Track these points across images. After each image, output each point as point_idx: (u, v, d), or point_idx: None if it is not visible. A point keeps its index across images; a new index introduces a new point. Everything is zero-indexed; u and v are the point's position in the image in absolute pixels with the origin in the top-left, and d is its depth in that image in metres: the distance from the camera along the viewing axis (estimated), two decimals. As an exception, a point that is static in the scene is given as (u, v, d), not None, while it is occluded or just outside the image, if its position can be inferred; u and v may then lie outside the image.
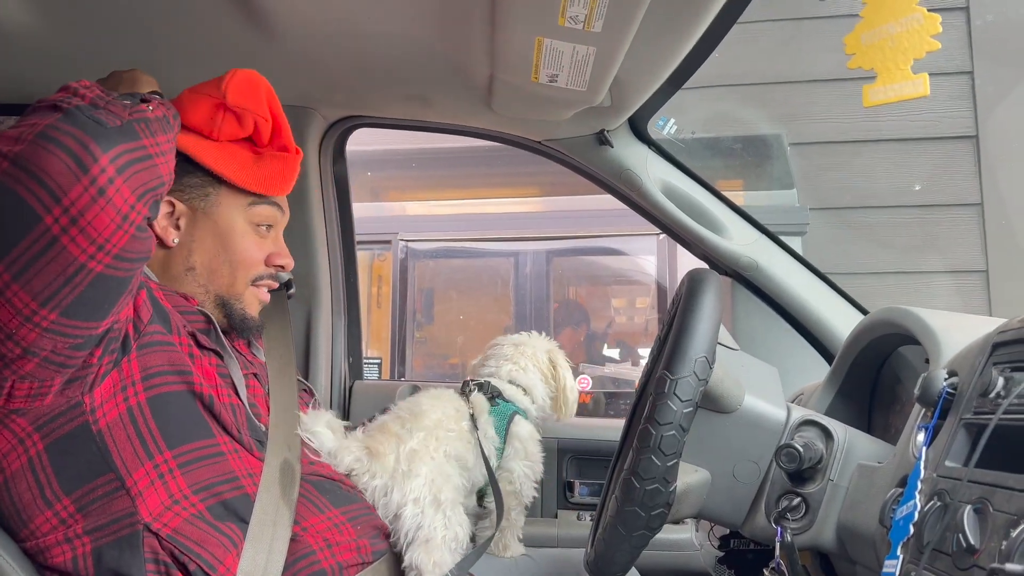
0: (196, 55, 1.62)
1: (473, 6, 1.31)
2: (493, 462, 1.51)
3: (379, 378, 3.51)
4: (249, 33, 1.50)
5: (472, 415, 1.49)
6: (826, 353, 1.80)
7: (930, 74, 0.92)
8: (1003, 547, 0.66)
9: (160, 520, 1.02)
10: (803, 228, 3.06)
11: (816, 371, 1.72)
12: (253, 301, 1.28)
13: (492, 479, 1.47)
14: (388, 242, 3.62)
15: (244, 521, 1.08)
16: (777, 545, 1.08)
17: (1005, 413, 0.74)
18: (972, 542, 0.71)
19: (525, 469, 1.57)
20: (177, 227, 1.23)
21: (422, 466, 1.33)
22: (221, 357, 1.18)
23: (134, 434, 1.03)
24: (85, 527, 1.01)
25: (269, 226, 1.30)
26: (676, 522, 1.78)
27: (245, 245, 1.26)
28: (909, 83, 0.86)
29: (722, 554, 1.51)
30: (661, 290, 3.58)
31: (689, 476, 1.11)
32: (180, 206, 1.23)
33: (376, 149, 3.54)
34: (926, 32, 0.83)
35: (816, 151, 3.25)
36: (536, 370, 1.64)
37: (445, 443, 1.39)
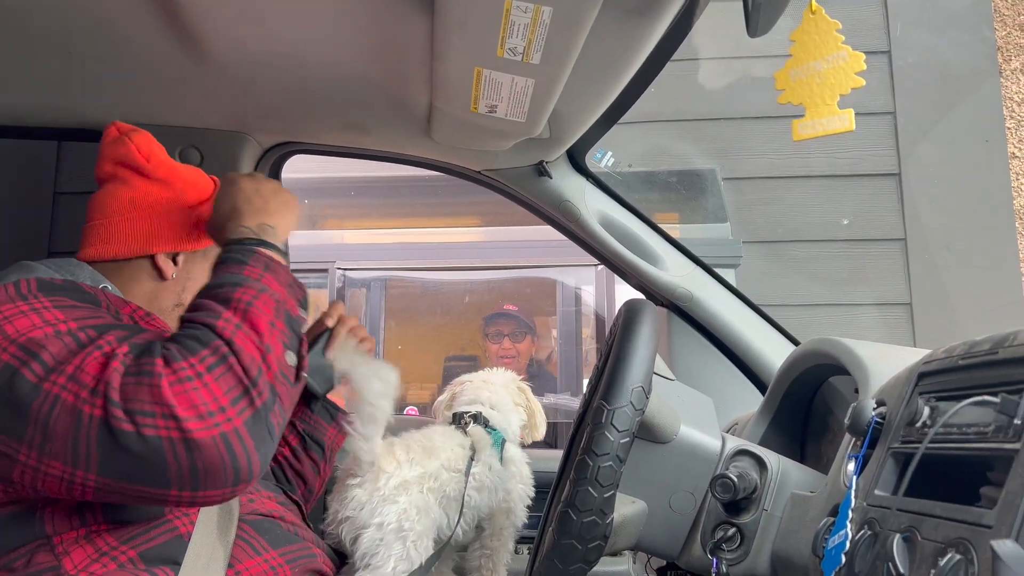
0: (126, 78, 1.59)
1: (412, 37, 1.31)
2: (499, 492, 1.56)
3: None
4: (181, 57, 1.47)
5: (473, 449, 1.52)
6: (759, 383, 1.83)
7: (856, 113, 0.95)
8: (932, 575, 0.67)
9: (86, 571, 0.98)
10: (736, 260, 3.13)
11: (750, 401, 1.75)
12: None
13: (461, 508, 1.47)
14: (325, 271, 3.57)
15: (177, 563, 1.03)
16: (713, 576, 1.08)
17: (932, 442, 0.75)
18: (902, 571, 0.72)
19: (520, 490, 1.62)
20: (175, 262, 1.27)
21: (403, 495, 1.33)
22: None
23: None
24: None
25: None
26: (613, 554, 1.77)
27: None
28: (836, 118, 0.89)
29: (659, 586, 1.50)
30: (599, 320, 3.60)
31: (626, 507, 1.11)
32: None
33: (314, 177, 3.50)
34: (851, 69, 0.87)
35: (748, 186, 3.33)
36: (509, 401, 1.69)
37: (448, 484, 1.41)
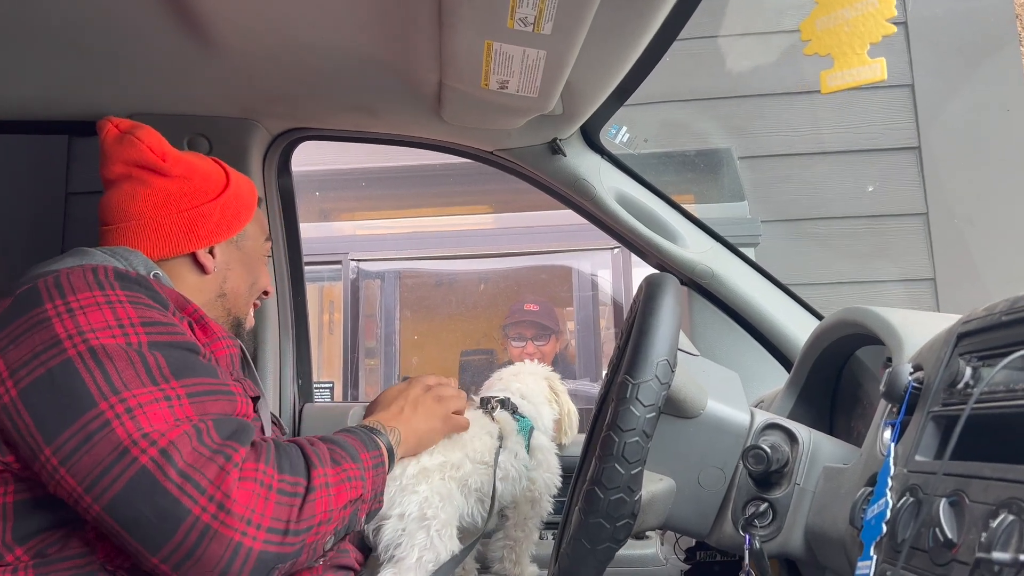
0: (133, 68, 1.57)
1: (419, 11, 1.28)
2: (523, 481, 1.53)
3: (331, 401, 3.42)
4: (187, 45, 1.45)
5: (501, 436, 1.49)
6: (784, 360, 1.79)
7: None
8: (983, 539, 0.64)
9: (116, 565, 0.98)
10: (756, 239, 3.09)
11: (774, 379, 1.71)
12: (250, 316, 1.39)
13: (492, 501, 1.44)
14: (338, 263, 3.55)
15: None
16: (746, 554, 1.05)
17: (977, 402, 0.71)
18: (949, 536, 0.69)
19: (547, 479, 1.58)
20: (212, 255, 1.29)
21: (423, 484, 1.30)
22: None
23: None
24: None
25: (268, 258, 1.45)
26: (639, 536, 1.74)
27: (263, 268, 1.39)
28: (867, 67, 0.85)
29: (688, 567, 1.47)
30: (617, 305, 3.57)
31: (654, 485, 1.08)
32: None
33: (325, 169, 3.48)
34: (881, 15, 0.82)
35: (766, 164, 3.29)
36: (541, 394, 1.65)
37: (471, 476, 1.39)
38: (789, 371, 1.46)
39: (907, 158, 3.21)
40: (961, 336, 0.84)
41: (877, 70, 0.85)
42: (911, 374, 0.88)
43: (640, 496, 0.95)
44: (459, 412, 1.36)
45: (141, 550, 0.90)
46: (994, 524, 0.63)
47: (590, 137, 1.76)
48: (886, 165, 3.22)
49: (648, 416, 0.94)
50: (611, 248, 3.54)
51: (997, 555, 0.57)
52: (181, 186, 1.26)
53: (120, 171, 1.26)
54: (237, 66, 1.52)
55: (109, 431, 0.90)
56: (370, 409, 1.31)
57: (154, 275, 1.18)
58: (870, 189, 3.05)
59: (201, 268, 1.28)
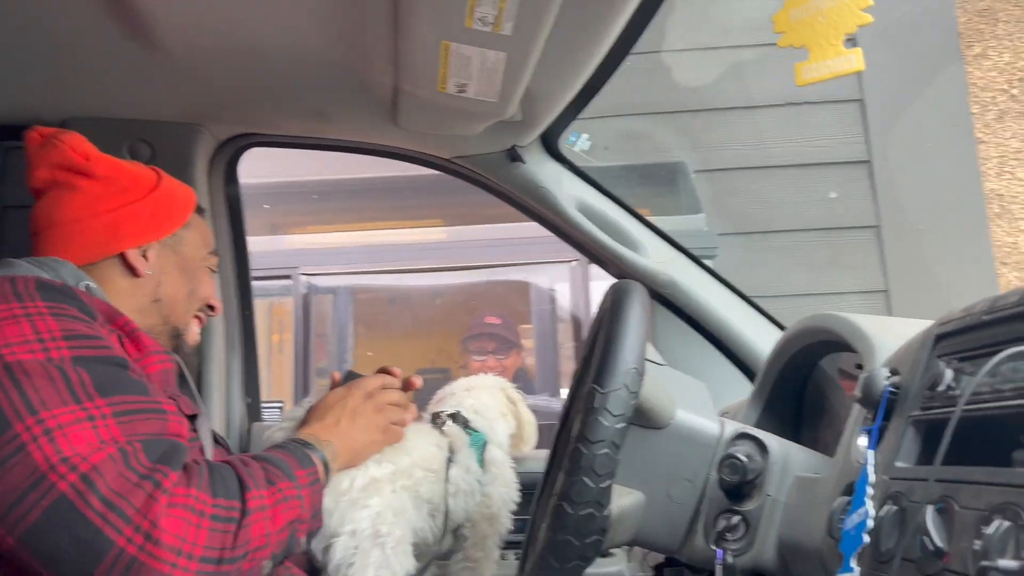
0: (69, 70, 1.50)
1: (373, 9, 1.24)
2: (476, 496, 1.46)
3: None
4: (127, 45, 1.39)
5: (451, 450, 1.42)
6: (747, 371, 1.77)
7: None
8: (977, 546, 0.61)
9: None
10: (713, 252, 3.09)
11: (737, 391, 1.69)
12: (193, 331, 1.31)
13: (445, 518, 1.38)
14: (288, 277, 3.46)
15: None
16: (718, 569, 1.01)
17: (966, 404, 0.69)
18: (939, 544, 0.65)
19: (503, 495, 1.53)
20: (145, 258, 1.22)
21: (374, 497, 1.23)
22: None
23: None
24: None
25: (213, 273, 1.37)
26: (606, 553, 1.69)
27: (205, 278, 1.32)
28: (843, 59, 0.83)
29: (656, 585, 1.43)
30: (575, 319, 3.54)
31: (622, 499, 1.03)
32: None
33: (274, 181, 3.40)
34: (856, 5, 0.81)
35: (721, 177, 3.31)
36: (495, 409, 1.60)
37: (421, 484, 1.32)
38: (752, 382, 1.44)
39: (858, 171, 3.27)
40: (940, 337, 0.82)
41: (854, 61, 0.83)
42: (888, 378, 0.86)
43: (610, 511, 0.91)
44: (400, 423, 1.29)
45: None
46: (988, 531, 0.60)
47: (550, 145, 1.73)
48: (838, 179, 3.27)
49: (618, 427, 0.90)
50: (569, 261, 3.52)
51: (1004, 563, 0.54)
52: (107, 187, 1.21)
53: (45, 176, 1.21)
54: (181, 67, 1.46)
55: (25, 455, 0.82)
56: (308, 417, 1.23)
57: (85, 286, 1.11)
58: (833, 195, 3.09)
59: (132, 271, 1.21)
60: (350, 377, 1.31)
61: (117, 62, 1.45)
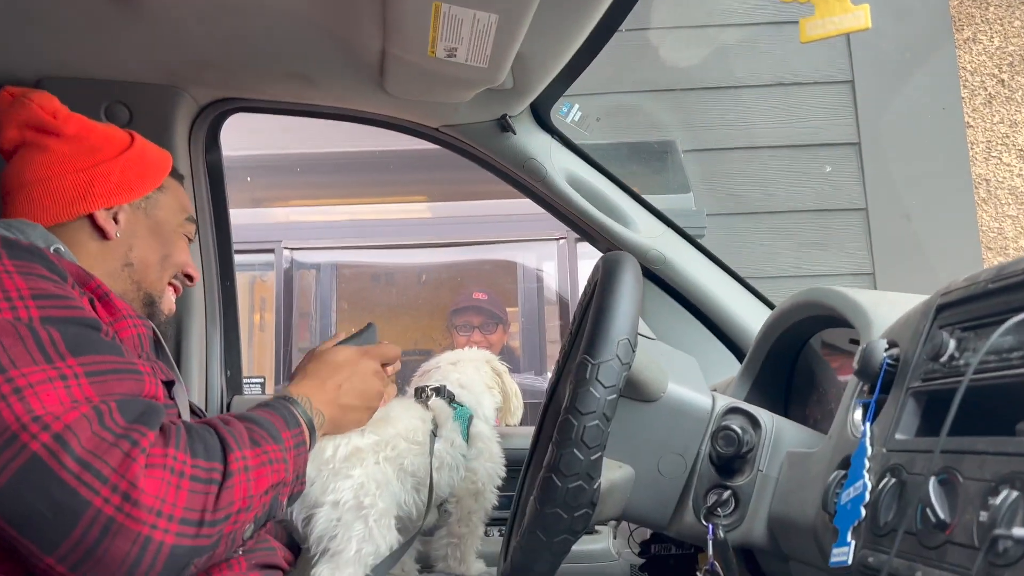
0: (43, 27, 1.44)
1: (362, -33, 1.20)
2: (460, 471, 1.45)
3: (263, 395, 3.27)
4: (108, 5, 1.33)
5: (435, 424, 1.39)
6: (735, 348, 1.76)
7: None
8: (982, 518, 0.59)
9: None
10: (701, 232, 3.08)
11: (726, 369, 1.68)
12: (168, 299, 1.28)
13: (430, 493, 1.35)
14: (271, 251, 3.40)
15: None
16: (709, 544, 0.99)
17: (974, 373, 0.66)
18: (942, 516, 0.63)
19: (489, 470, 1.50)
20: (116, 221, 1.20)
21: (356, 468, 1.20)
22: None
23: None
24: None
25: (190, 241, 1.34)
26: (590, 530, 1.68)
27: (180, 244, 1.28)
28: (850, 15, 0.80)
29: (642, 561, 1.42)
30: (562, 297, 3.52)
31: (612, 472, 1.01)
32: None
33: (258, 154, 3.34)
34: (865, -41, 0.78)
35: (710, 157, 3.29)
36: (481, 383, 1.57)
37: (405, 456, 1.29)
38: (740, 360, 1.42)
39: (847, 153, 3.25)
40: (941, 308, 0.80)
41: (860, 18, 0.80)
42: (886, 350, 0.84)
43: (600, 484, 0.89)
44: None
45: (33, 549, 0.79)
46: (996, 501, 0.58)
47: (541, 116, 1.69)
48: (827, 160, 3.26)
49: (609, 398, 0.88)
50: (556, 239, 3.49)
51: (1019, 531, 0.52)
52: (76, 146, 1.18)
53: (14, 136, 1.19)
54: (161, 27, 1.41)
55: None
56: (305, 365, 1.19)
57: (55, 249, 1.08)
58: (828, 169, 3.07)
59: (102, 233, 1.18)
60: (367, 331, 1.27)
61: (93, 19, 1.40)
